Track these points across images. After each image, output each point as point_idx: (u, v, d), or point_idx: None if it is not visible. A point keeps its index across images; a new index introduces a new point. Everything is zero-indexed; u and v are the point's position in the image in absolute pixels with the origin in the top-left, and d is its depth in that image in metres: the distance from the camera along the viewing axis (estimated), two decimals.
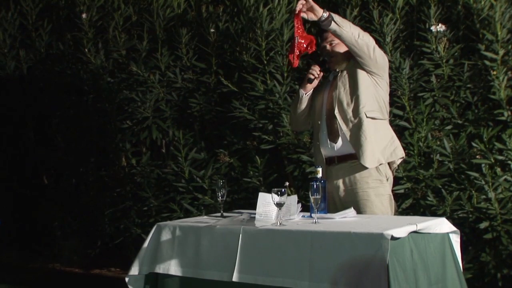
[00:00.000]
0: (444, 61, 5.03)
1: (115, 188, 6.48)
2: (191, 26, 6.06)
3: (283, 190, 3.49)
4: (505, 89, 4.84)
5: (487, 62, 4.88)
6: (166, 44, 6.11)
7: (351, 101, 4.05)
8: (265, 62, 5.59)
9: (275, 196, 3.47)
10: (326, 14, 3.94)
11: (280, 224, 3.50)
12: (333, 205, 4.05)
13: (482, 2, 4.95)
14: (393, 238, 3.14)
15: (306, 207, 3.88)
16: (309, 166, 5.29)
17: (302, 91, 4.22)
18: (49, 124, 6.99)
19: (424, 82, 5.09)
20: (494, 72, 4.83)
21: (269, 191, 3.62)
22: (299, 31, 4.04)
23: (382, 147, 4.04)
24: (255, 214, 3.68)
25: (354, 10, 5.34)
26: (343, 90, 4.09)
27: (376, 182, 4.02)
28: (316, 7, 3.96)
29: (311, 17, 3.98)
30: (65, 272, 6.43)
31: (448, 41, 5.02)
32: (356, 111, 4.02)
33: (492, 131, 4.81)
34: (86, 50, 6.31)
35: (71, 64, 6.65)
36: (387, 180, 4.06)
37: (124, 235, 6.34)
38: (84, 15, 6.37)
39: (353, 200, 4.01)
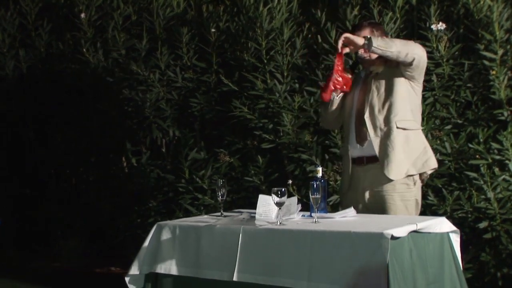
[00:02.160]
0: (444, 60, 5.03)
1: (115, 188, 6.48)
2: (191, 26, 6.06)
3: (283, 189, 3.49)
4: (505, 88, 4.85)
5: (486, 62, 4.88)
6: (166, 44, 6.11)
7: (383, 108, 3.96)
8: (265, 61, 5.59)
9: (275, 196, 3.47)
10: (366, 42, 3.82)
11: (280, 223, 3.49)
12: (355, 204, 3.98)
13: (481, 2, 4.95)
14: (393, 237, 3.13)
15: (307, 206, 3.87)
16: (309, 165, 5.29)
17: (333, 94, 4.09)
18: (49, 124, 6.99)
19: (425, 82, 5.08)
20: (494, 72, 4.84)
21: (270, 190, 3.62)
22: (339, 68, 3.97)
23: (413, 158, 3.96)
24: (255, 213, 3.68)
25: (355, 9, 5.34)
26: (376, 95, 3.99)
27: (403, 187, 3.94)
28: (355, 39, 3.86)
29: (352, 49, 3.92)
30: (65, 272, 6.43)
31: (448, 41, 5.02)
32: (387, 119, 3.94)
33: (488, 131, 4.81)
34: (85, 50, 6.31)
35: (71, 63, 6.65)
36: (414, 184, 3.98)
37: (124, 235, 6.35)
38: (83, 15, 6.37)
39: (377, 202, 3.96)
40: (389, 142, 3.93)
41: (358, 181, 4.04)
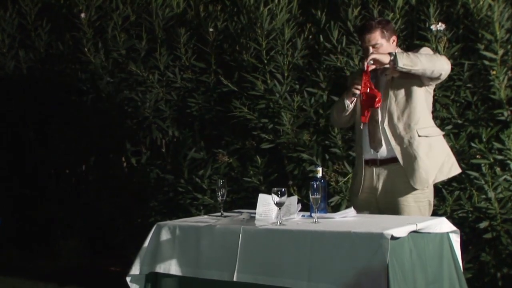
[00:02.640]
0: None
1: (115, 188, 6.48)
2: (190, 26, 6.06)
3: (283, 189, 3.49)
4: (505, 88, 4.84)
5: (486, 62, 4.88)
6: (165, 44, 6.11)
7: (402, 115, 3.92)
8: (265, 61, 5.58)
9: (275, 196, 3.47)
10: (392, 60, 3.77)
11: (280, 223, 3.50)
12: (368, 205, 3.99)
13: (481, 2, 4.95)
14: (393, 237, 3.14)
15: (307, 207, 3.87)
16: (309, 165, 5.29)
17: (347, 102, 4.03)
18: (49, 124, 6.99)
19: None
20: (494, 72, 4.83)
21: (269, 190, 3.62)
22: (367, 86, 3.90)
23: (439, 164, 3.94)
24: (255, 213, 3.68)
25: (355, 10, 5.33)
26: (394, 101, 3.94)
27: (417, 189, 3.94)
28: (381, 59, 3.81)
29: (377, 65, 3.88)
30: (65, 272, 6.43)
31: (448, 41, 5.02)
32: (407, 127, 3.91)
33: (491, 131, 4.81)
34: (86, 49, 6.30)
35: (70, 64, 6.64)
36: (427, 186, 3.96)
37: (124, 235, 6.35)
38: (83, 15, 6.36)
39: (391, 203, 3.95)
40: (412, 151, 3.90)
41: (371, 183, 4.03)
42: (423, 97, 3.96)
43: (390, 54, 3.82)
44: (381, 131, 3.97)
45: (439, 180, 3.99)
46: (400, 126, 3.93)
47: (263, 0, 5.58)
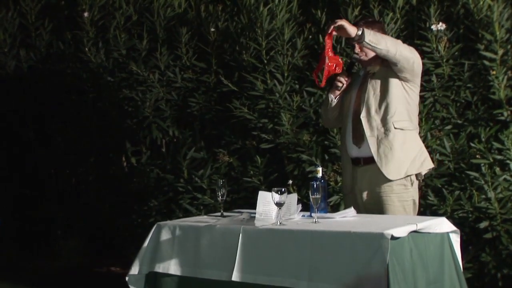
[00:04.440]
0: (444, 60, 5.03)
1: (114, 187, 6.48)
2: (191, 26, 6.06)
3: (283, 189, 3.49)
4: (504, 88, 4.85)
5: (486, 62, 4.88)
6: (166, 44, 6.11)
7: (379, 108, 3.95)
8: (265, 61, 5.59)
9: (275, 195, 3.47)
10: (359, 33, 3.80)
11: (280, 223, 3.49)
12: (355, 205, 3.98)
13: (481, 2, 4.96)
14: (393, 237, 3.14)
15: (307, 207, 3.87)
16: (309, 165, 5.29)
17: (331, 96, 4.11)
18: (49, 124, 6.99)
19: (425, 82, 5.09)
20: (494, 72, 4.84)
21: (269, 190, 3.61)
22: (329, 50, 3.94)
23: (411, 158, 3.96)
24: (255, 213, 3.68)
25: (355, 10, 5.33)
26: (372, 95, 3.98)
27: (400, 188, 3.94)
28: (349, 29, 3.83)
29: (342, 35, 3.94)
30: (65, 272, 6.43)
31: (448, 41, 5.02)
32: (384, 120, 3.94)
33: (490, 131, 4.81)
34: (87, 49, 6.30)
35: (71, 63, 6.64)
36: (412, 185, 3.97)
37: (124, 235, 6.35)
38: (86, 14, 6.35)
39: (375, 203, 3.97)
40: (387, 142, 3.92)
41: (356, 182, 4.04)
42: (400, 93, 3.98)
43: (358, 28, 3.85)
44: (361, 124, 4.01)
45: (410, 173, 3.97)
46: (377, 119, 3.96)
47: (263, 0, 5.58)
